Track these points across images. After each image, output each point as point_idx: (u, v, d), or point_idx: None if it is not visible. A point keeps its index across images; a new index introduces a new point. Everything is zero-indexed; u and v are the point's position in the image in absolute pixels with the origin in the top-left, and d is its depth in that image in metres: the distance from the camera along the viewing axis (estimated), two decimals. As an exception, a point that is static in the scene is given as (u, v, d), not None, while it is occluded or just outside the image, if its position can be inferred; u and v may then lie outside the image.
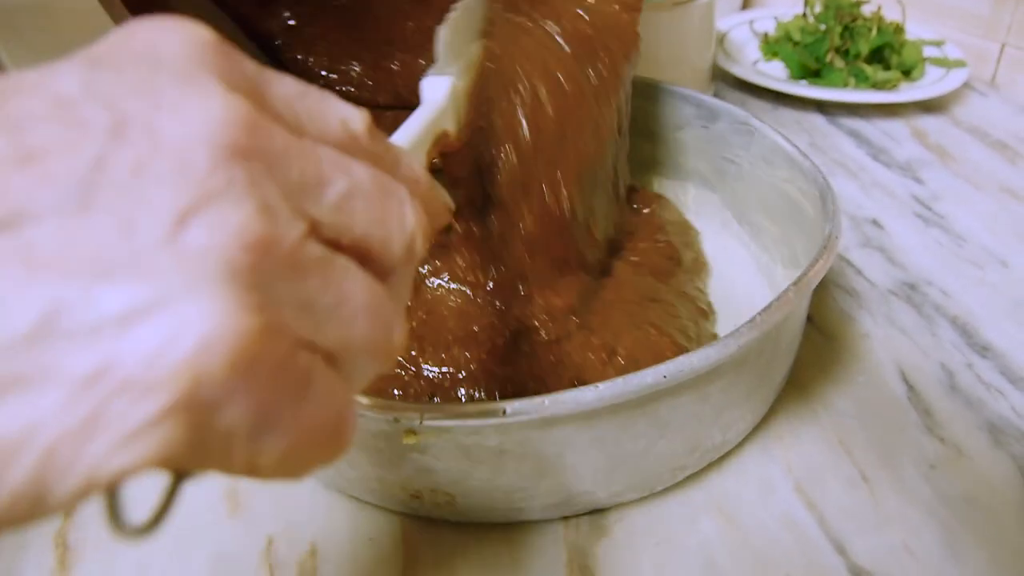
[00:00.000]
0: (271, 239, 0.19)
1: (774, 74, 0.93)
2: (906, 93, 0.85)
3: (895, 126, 0.84)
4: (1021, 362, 0.53)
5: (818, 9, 0.97)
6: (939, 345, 0.55)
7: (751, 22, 1.05)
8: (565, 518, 0.44)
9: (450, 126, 0.41)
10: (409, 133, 0.35)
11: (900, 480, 0.46)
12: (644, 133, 0.68)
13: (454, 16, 0.43)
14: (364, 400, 0.37)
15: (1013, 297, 0.59)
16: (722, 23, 1.03)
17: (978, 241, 0.65)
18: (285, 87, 0.22)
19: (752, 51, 0.99)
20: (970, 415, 0.50)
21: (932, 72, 0.90)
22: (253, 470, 0.20)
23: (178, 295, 0.17)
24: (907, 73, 0.90)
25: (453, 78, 0.42)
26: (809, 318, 0.56)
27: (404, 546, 0.43)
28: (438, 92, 0.40)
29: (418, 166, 0.27)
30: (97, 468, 0.17)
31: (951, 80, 0.87)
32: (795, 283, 0.43)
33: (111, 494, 0.19)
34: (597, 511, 0.44)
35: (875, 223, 0.68)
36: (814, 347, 0.55)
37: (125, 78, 0.19)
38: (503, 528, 0.44)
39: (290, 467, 0.20)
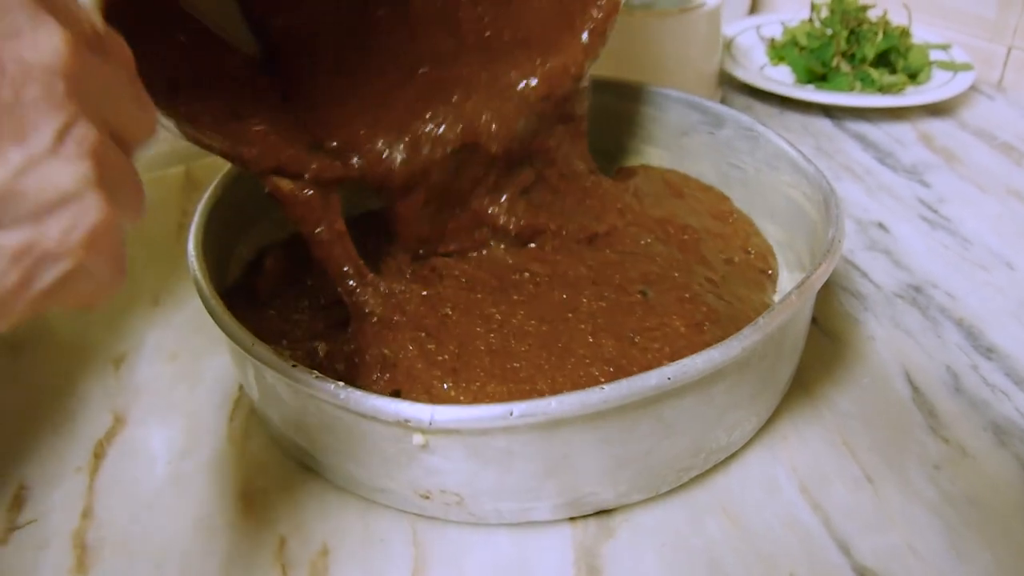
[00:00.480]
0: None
1: (781, 79, 0.93)
2: (912, 97, 0.86)
3: (901, 129, 0.85)
4: (1026, 364, 0.54)
5: (824, 14, 0.97)
6: (944, 347, 0.55)
7: (758, 27, 1.05)
8: (572, 519, 0.45)
9: None
10: None
11: (904, 481, 0.46)
12: (650, 139, 0.68)
13: None
14: (375, 401, 0.38)
15: (1018, 299, 0.59)
16: (729, 28, 1.03)
17: (984, 243, 0.66)
18: None
19: (759, 56, 1.00)
20: (975, 416, 0.50)
21: (938, 75, 0.90)
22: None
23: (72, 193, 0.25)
24: (913, 77, 0.91)
25: None
26: (814, 320, 0.56)
27: (414, 546, 0.44)
28: None
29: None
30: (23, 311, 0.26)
31: (957, 83, 0.88)
32: (798, 287, 0.43)
33: None
34: (604, 512, 0.45)
35: (881, 226, 0.69)
36: (819, 349, 0.55)
37: None
38: (511, 528, 0.44)
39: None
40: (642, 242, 0.56)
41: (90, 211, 0.25)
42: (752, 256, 0.58)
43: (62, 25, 0.25)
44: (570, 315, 0.49)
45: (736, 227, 0.62)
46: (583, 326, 0.48)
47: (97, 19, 0.28)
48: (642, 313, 0.49)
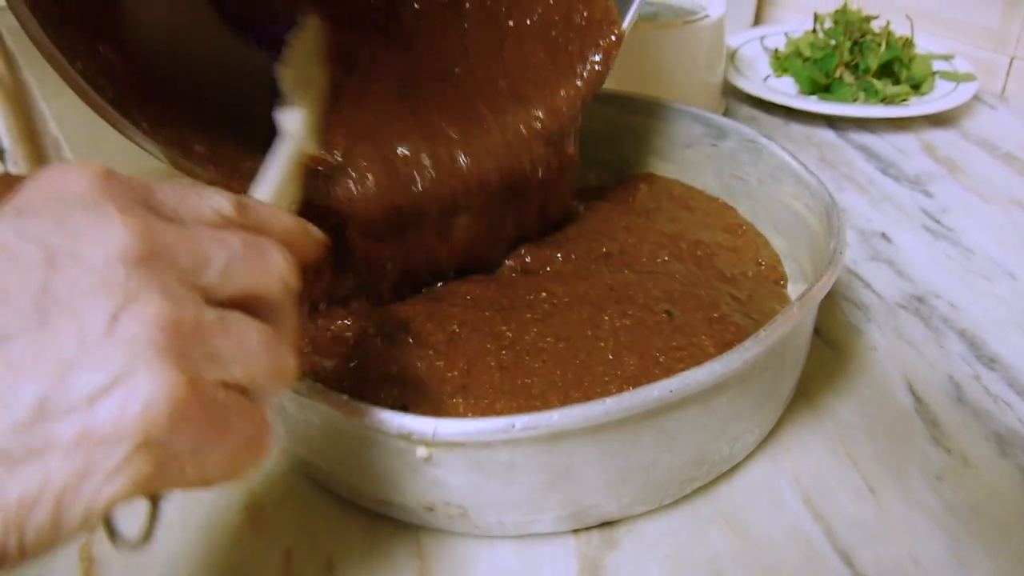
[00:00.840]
0: (177, 317, 0.26)
1: (784, 90, 0.94)
2: (915, 107, 0.86)
3: (905, 140, 0.85)
4: (1028, 374, 0.54)
5: (828, 25, 0.98)
6: (947, 357, 0.55)
7: (762, 38, 1.06)
8: (576, 530, 0.45)
9: (313, 149, 0.46)
10: (274, 178, 0.41)
11: (907, 491, 0.46)
12: (654, 151, 0.69)
13: (292, 52, 0.48)
14: (380, 414, 0.38)
15: (1021, 309, 0.60)
16: (733, 39, 1.04)
17: (986, 254, 0.66)
18: (166, 192, 0.29)
19: (763, 67, 1.00)
20: (977, 426, 0.50)
21: (942, 86, 0.91)
22: (204, 482, 0.28)
23: (123, 373, 0.24)
24: (917, 87, 0.91)
25: (304, 108, 0.46)
26: (817, 331, 0.57)
27: (419, 558, 0.44)
28: (294, 124, 0.45)
29: (284, 215, 0.34)
30: (92, 501, 0.25)
31: (960, 93, 0.88)
32: (799, 298, 0.44)
33: (107, 520, 0.28)
34: (607, 523, 0.45)
35: (884, 236, 0.69)
36: (822, 360, 0.55)
37: (46, 218, 0.26)
38: (516, 540, 0.45)
39: (228, 473, 0.28)
40: (658, 260, 0.57)
41: (143, 384, 0.24)
42: (763, 268, 0.59)
43: (127, 214, 0.26)
44: (590, 333, 0.49)
45: (747, 239, 0.62)
46: (603, 344, 0.48)
47: (229, 202, 0.31)
48: (669, 332, 0.49)
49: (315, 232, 0.36)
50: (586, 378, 0.46)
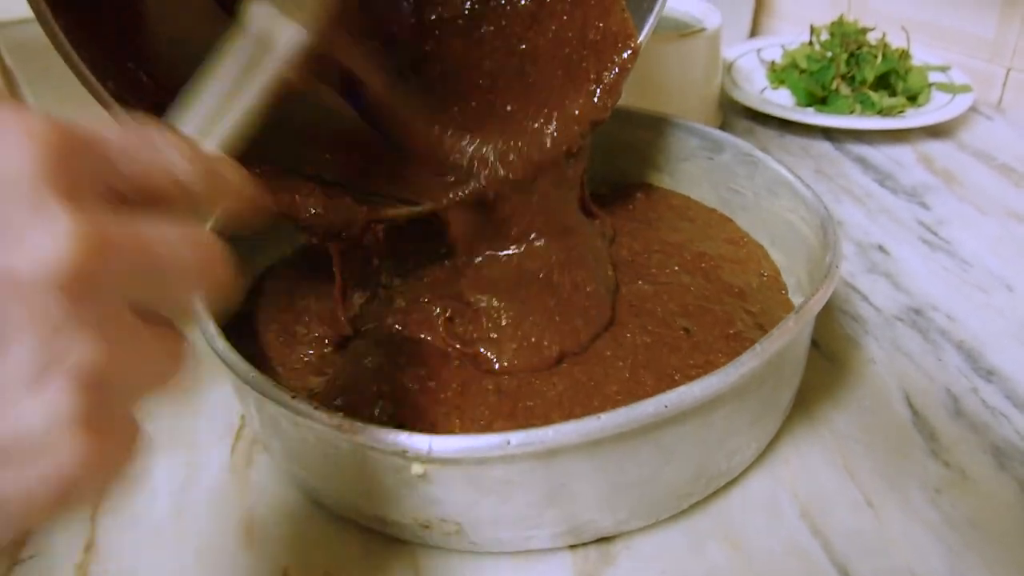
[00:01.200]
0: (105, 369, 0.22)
1: (781, 102, 0.94)
2: (912, 119, 0.86)
3: (902, 152, 0.85)
4: (1026, 386, 0.54)
5: (824, 37, 0.98)
6: (944, 370, 0.55)
7: (758, 50, 1.06)
8: (573, 546, 0.45)
9: (296, 74, 0.37)
10: (230, 103, 0.34)
11: (905, 504, 0.46)
12: (650, 164, 0.69)
13: None
14: (375, 431, 0.38)
15: (1019, 321, 0.60)
16: (729, 51, 1.04)
17: (983, 265, 0.66)
18: (121, 155, 0.24)
19: (759, 79, 1.01)
20: (975, 439, 0.50)
21: (938, 97, 0.91)
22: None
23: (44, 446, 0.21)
24: (913, 99, 0.91)
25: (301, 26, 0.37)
26: (815, 344, 0.57)
27: (416, 575, 0.44)
28: (277, 23, 0.37)
29: (242, 187, 0.29)
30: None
31: (957, 105, 0.88)
32: (795, 312, 0.43)
33: None
34: (604, 539, 0.45)
35: (881, 249, 0.69)
36: (820, 373, 0.55)
37: None
38: (513, 556, 0.44)
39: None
40: (667, 270, 0.57)
41: (62, 460, 0.22)
42: (766, 279, 0.59)
43: (78, 212, 0.21)
44: (609, 353, 0.49)
45: (748, 251, 0.62)
46: (622, 363, 0.48)
47: (184, 156, 0.26)
48: (687, 350, 0.49)
49: (252, 185, 0.30)
50: (596, 398, 0.46)
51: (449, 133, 0.53)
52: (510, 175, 0.52)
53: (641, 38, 0.54)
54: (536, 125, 0.54)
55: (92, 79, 0.40)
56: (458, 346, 0.50)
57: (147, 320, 0.24)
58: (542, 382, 0.48)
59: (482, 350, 0.50)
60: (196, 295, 0.26)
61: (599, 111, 0.54)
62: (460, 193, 0.52)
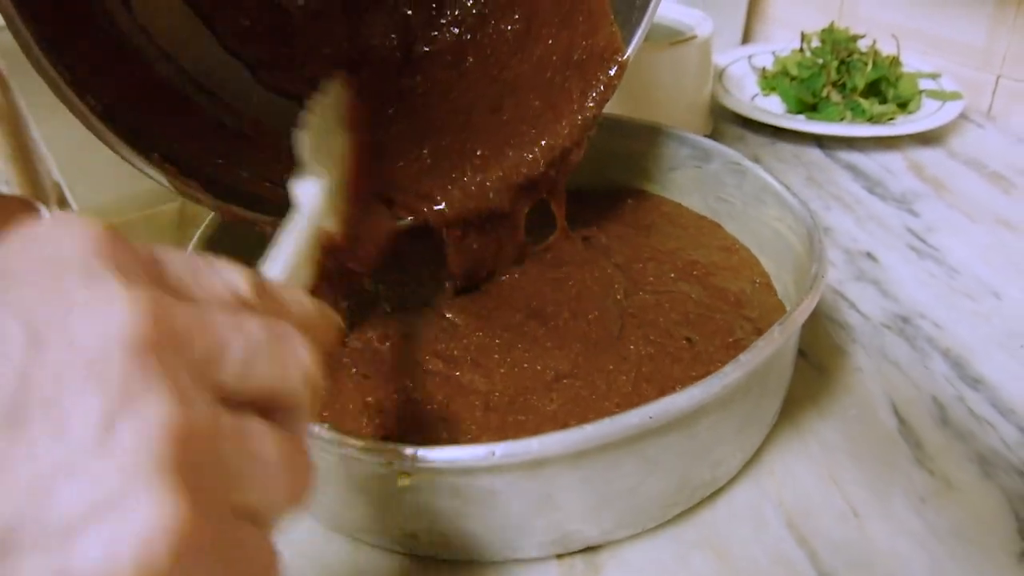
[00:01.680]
0: (191, 426, 0.20)
1: (772, 109, 0.94)
2: (902, 126, 0.86)
3: (892, 159, 0.85)
4: (1012, 394, 0.54)
5: (815, 44, 0.98)
6: (931, 378, 0.56)
7: (749, 57, 1.06)
8: (559, 556, 0.45)
9: (330, 224, 0.42)
10: (290, 253, 0.37)
11: (891, 514, 0.46)
12: (640, 173, 0.69)
13: (313, 116, 0.44)
14: (360, 443, 0.38)
15: (1006, 329, 0.60)
16: (721, 58, 1.04)
17: (971, 273, 0.66)
18: (177, 263, 0.25)
19: (751, 86, 1.01)
20: (961, 447, 0.50)
21: (928, 104, 0.91)
22: None
23: (116, 496, 0.19)
24: (903, 106, 0.91)
25: (324, 178, 0.42)
26: (802, 352, 0.57)
27: (402, 585, 0.44)
28: (311, 196, 0.41)
29: (304, 298, 0.29)
30: None
31: (947, 112, 0.88)
32: (780, 322, 0.44)
33: None
34: (591, 548, 0.45)
35: (870, 256, 0.69)
36: (807, 381, 0.55)
37: (33, 285, 0.21)
38: (499, 566, 0.44)
39: None
40: (665, 279, 0.57)
41: (142, 514, 0.19)
42: (759, 285, 0.59)
43: (140, 289, 0.21)
44: (612, 367, 0.49)
45: (741, 257, 0.62)
46: (625, 377, 0.48)
47: (248, 282, 0.26)
48: (689, 360, 0.49)
49: (334, 317, 0.31)
50: (590, 414, 0.46)
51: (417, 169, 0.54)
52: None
53: (629, 52, 0.54)
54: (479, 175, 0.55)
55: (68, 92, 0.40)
56: (441, 365, 0.50)
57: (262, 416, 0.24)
58: (539, 397, 0.48)
59: (459, 374, 0.50)
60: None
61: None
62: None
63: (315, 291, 0.35)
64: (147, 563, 0.19)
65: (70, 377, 0.19)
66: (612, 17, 0.53)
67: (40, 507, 0.18)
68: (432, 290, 0.57)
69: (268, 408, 0.24)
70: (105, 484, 0.19)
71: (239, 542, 0.22)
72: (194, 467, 0.20)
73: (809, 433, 0.52)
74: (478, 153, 0.55)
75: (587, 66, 0.54)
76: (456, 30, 0.58)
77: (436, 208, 0.53)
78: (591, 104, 0.54)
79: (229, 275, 0.26)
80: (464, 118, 0.56)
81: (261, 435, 0.23)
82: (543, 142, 0.54)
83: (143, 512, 0.19)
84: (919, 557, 0.44)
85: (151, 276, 0.23)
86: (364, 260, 0.50)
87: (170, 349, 0.21)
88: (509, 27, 0.57)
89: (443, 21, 0.58)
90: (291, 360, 0.25)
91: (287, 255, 0.37)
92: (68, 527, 0.18)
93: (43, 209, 0.60)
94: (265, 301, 0.26)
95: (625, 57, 0.54)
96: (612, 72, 0.54)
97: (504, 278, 0.58)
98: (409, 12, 0.58)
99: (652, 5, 0.54)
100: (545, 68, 0.55)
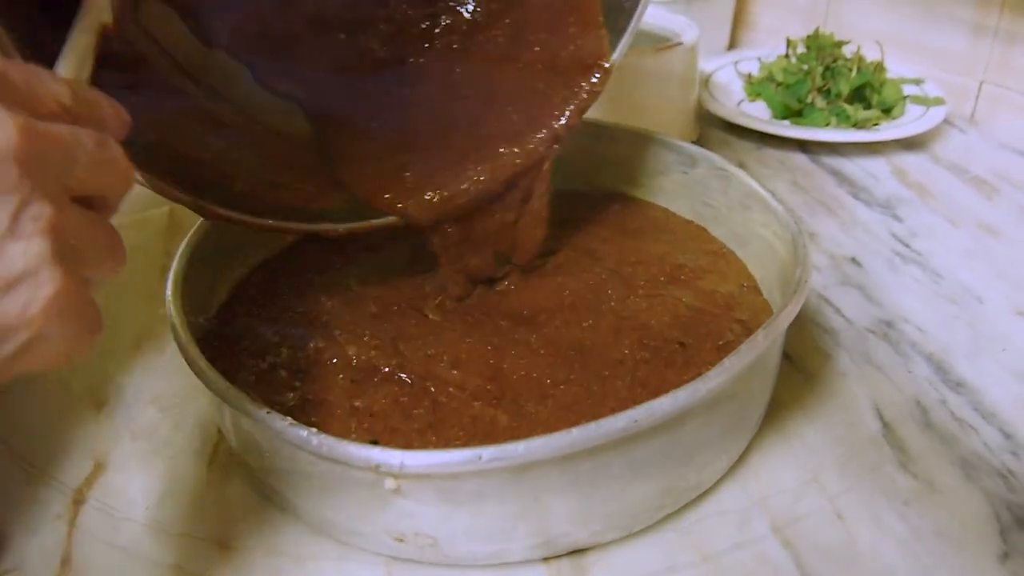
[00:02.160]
0: (62, 222, 0.28)
1: (758, 114, 0.95)
2: (886, 131, 0.87)
3: (876, 164, 0.86)
4: (994, 398, 0.54)
5: (800, 50, 0.99)
6: (914, 382, 0.56)
7: (735, 63, 1.07)
8: (546, 559, 0.45)
9: (107, 17, 0.43)
10: (80, 51, 0.40)
11: (874, 517, 0.47)
12: (626, 179, 0.69)
13: None
14: (347, 447, 0.39)
15: (988, 333, 0.60)
16: (707, 64, 1.05)
17: (955, 278, 0.67)
18: (12, 74, 0.29)
19: (737, 91, 1.01)
20: (943, 451, 0.51)
21: (912, 110, 0.92)
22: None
23: (28, 273, 0.27)
24: (888, 111, 0.92)
25: None
26: (787, 356, 0.57)
27: (390, 589, 0.44)
28: None
29: (108, 100, 0.34)
30: None
31: (930, 118, 0.89)
32: (764, 327, 0.44)
33: None
34: (578, 551, 0.45)
35: (854, 261, 0.70)
36: (792, 385, 0.56)
37: None
38: (487, 570, 0.45)
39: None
40: (655, 282, 0.58)
41: (45, 284, 0.27)
42: (747, 289, 0.59)
43: (12, 111, 0.27)
44: (607, 373, 0.49)
45: (728, 261, 0.62)
46: (620, 382, 0.49)
47: (66, 89, 0.31)
48: (681, 364, 0.50)
49: (123, 111, 0.35)
50: (584, 420, 0.46)
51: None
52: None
53: (614, 58, 0.54)
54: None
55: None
56: (430, 369, 0.51)
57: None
58: (534, 403, 0.48)
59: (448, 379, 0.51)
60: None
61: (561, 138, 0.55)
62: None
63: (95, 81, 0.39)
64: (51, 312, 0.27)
65: None
66: (602, 20, 0.54)
67: None
68: (422, 294, 0.57)
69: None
70: (18, 265, 0.27)
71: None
72: (67, 252, 0.28)
73: (794, 436, 0.52)
74: (458, 153, 0.55)
75: (571, 73, 0.54)
76: (449, 39, 0.58)
77: (416, 205, 0.53)
78: (570, 112, 0.54)
79: (52, 85, 0.31)
80: (445, 126, 0.56)
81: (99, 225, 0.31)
82: (517, 150, 0.55)
83: (46, 284, 0.27)
84: (903, 559, 0.44)
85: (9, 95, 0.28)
86: None
87: (43, 161, 0.27)
88: (500, 35, 0.57)
89: (437, 31, 0.58)
90: (116, 167, 0.32)
91: (78, 53, 0.40)
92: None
93: None
94: (79, 105, 0.31)
95: (609, 64, 0.54)
96: (595, 79, 0.54)
97: (496, 283, 0.58)
98: (408, 11, 0.58)
99: (638, 12, 0.54)
100: (530, 75, 0.55)
